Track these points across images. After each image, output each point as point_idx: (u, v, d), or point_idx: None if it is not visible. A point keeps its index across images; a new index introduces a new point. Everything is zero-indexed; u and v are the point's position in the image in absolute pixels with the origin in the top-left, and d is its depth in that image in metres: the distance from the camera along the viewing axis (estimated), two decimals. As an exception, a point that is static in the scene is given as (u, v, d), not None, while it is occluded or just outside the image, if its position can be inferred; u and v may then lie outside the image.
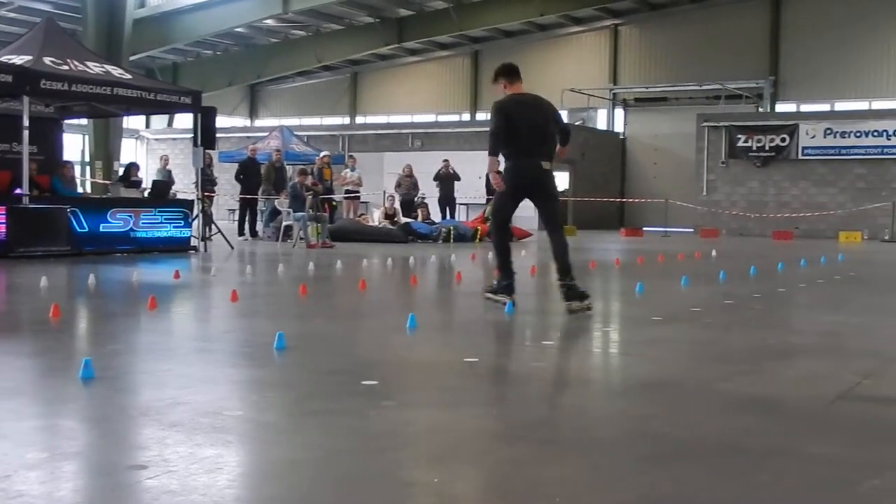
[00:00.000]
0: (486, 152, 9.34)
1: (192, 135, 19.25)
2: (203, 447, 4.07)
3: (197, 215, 19.18)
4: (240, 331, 8.05)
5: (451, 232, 23.54)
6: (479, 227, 24.66)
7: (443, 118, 44.43)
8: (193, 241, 18.72)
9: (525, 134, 9.32)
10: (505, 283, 9.48)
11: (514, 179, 9.47)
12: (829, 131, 33.67)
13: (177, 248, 18.09)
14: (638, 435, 4.41)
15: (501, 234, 9.94)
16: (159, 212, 18.13)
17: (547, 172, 9.59)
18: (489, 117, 9.64)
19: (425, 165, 30.63)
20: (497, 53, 45.21)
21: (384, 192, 29.32)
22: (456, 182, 29.81)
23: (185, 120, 38.31)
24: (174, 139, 43.78)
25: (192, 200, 19.67)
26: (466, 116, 45.41)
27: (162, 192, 20.01)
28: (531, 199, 9.74)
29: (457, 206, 30.79)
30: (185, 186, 29.92)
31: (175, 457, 3.90)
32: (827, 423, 4.76)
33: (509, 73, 9.78)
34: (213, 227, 20.39)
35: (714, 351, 7.17)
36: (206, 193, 20.59)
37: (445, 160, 30.23)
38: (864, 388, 5.58)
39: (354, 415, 4.72)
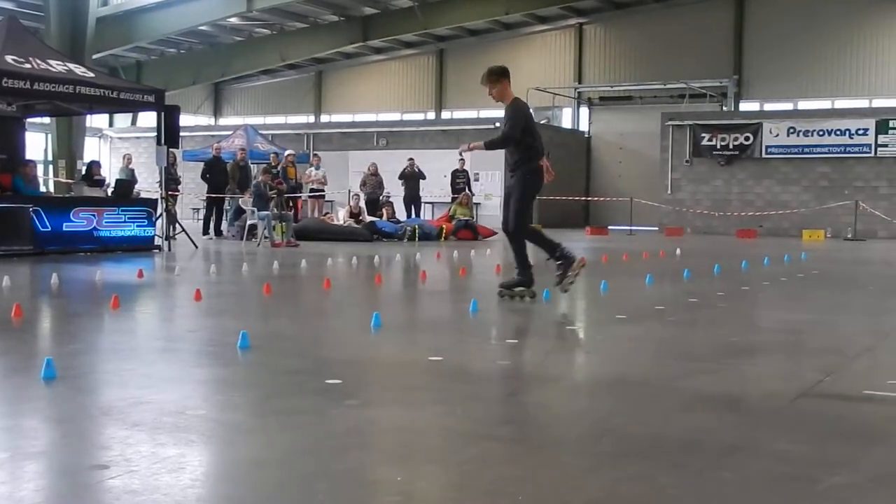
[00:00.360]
0: (484, 144, 9.74)
1: (155, 133, 19.15)
2: (166, 447, 4.05)
3: (161, 214, 19.08)
4: (204, 330, 8.01)
5: (417, 231, 23.55)
6: (444, 226, 24.69)
7: (408, 117, 44.38)
8: (157, 241, 18.62)
9: (539, 137, 9.51)
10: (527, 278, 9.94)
11: (539, 182, 9.89)
12: (792, 130, 33.89)
13: (140, 247, 17.99)
14: (602, 433, 4.43)
15: (529, 231, 10.21)
16: (123, 211, 18.02)
17: None
18: (508, 116, 9.68)
19: (390, 164, 30.61)
20: (462, 52, 45.32)
21: (349, 191, 29.27)
22: (421, 181, 29.81)
23: (148, 118, 38.08)
24: (138, 138, 43.48)
25: (156, 199, 19.55)
26: (431, 115, 45.40)
27: (125, 191, 19.89)
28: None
29: (422, 204, 30.79)
30: (149, 185, 29.76)
31: (137, 456, 3.88)
32: (789, 420, 4.80)
33: (509, 75, 9.85)
34: (177, 226, 20.29)
35: (678, 349, 7.20)
36: (169, 192, 20.47)
37: (410, 159, 30.22)
38: (825, 386, 5.62)
39: (318, 414, 4.71)
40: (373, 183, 28.35)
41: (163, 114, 18.44)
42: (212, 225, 24.52)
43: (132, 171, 26.31)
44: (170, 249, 18.42)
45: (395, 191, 29.26)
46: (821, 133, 33.34)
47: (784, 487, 3.64)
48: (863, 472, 3.83)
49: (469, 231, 25.12)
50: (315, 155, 30.85)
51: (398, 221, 25.00)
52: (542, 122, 40.54)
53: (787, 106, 38.35)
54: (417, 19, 41.34)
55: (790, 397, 5.23)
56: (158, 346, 7.18)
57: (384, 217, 25.14)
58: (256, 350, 6.53)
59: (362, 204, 25.93)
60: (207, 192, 25.02)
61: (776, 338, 7.84)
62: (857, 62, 38.01)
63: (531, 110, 10.06)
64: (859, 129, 32.74)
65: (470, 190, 29.60)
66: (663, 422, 4.69)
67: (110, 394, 5.29)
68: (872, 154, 32.57)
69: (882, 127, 32.45)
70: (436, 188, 32.59)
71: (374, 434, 4.40)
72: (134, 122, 46.97)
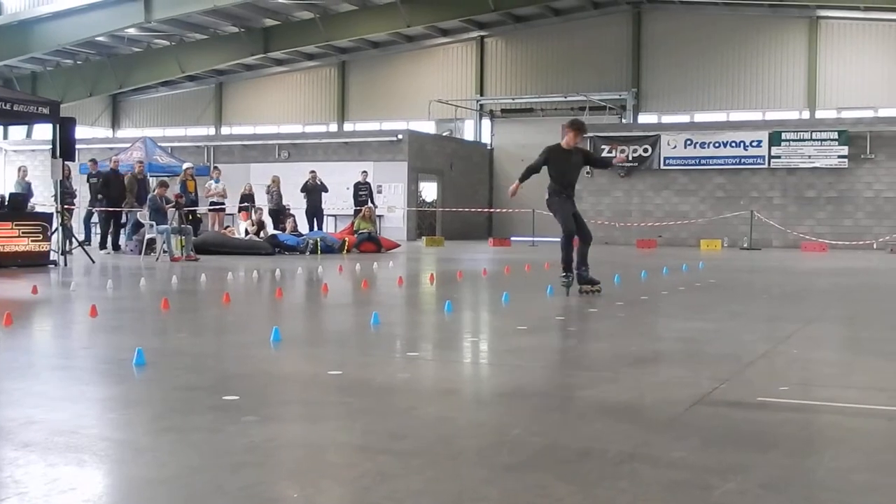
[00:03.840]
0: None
1: (51, 146, 18.79)
2: (57, 467, 3.97)
3: (56, 229, 18.70)
4: (98, 347, 7.85)
5: (319, 244, 23.43)
6: (346, 239, 24.60)
7: (310, 129, 44.20)
8: (53, 256, 18.23)
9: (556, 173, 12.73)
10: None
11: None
12: (689, 142, 34.52)
13: (35, 262, 17.60)
14: (500, 444, 4.43)
15: None
16: (16, 225, 17.61)
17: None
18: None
19: (292, 177, 30.46)
20: (364, 64, 45.32)
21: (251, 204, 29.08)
22: (323, 193, 29.72)
23: (45, 131, 37.44)
24: (33, 150, 42.60)
25: (51, 213, 19.16)
26: (334, 127, 45.29)
27: (19, 204, 19.44)
28: None
29: (324, 217, 30.68)
30: (44, 199, 29.19)
31: (27, 478, 3.79)
32: (685, 427, 4.85)
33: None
34: (73, 240, 19.91)
35: (577, 359, 7.26)
36: (65, 206, 20.07)
37: (312, 171, 30.13)
38: (720, 393, 5.70)
39: (214, 431, 4.64)
40: (276, 194, 28.35)
41: (58, 126, 18.10)
42: (109, 239, 24.12)
43: (28, 184, 25.77)
44: (66, 264, 18.07)
45: (297, 203, 29.12)
46: (716, 145, 34.03)
47: (679, 495, 3.68)
48: (755, 479, 3.88)
49: (372, 244, 25.08)
50: (215, 168, 30.59)
51: (300, 234, 24.85)
52: (444, 133, 40.88)
53: (684, 118, 39.07)
54: (319, 31, 41.21)
55: (686, 405, 5.30)
56: (51, 364, 7.02)
57: (287, 230, 25.00)
58: (152, 367, 6.42)
59: (264, 217, 25.75)
60: (104, 206, 24.61)
61: (674, 346, 7.94)
62: (750, 76, 38.87)
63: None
64: (753, 142, 33.49)
65: (372, 202, 29.60)
66: (561, 431, 4.72)
67: (0, 413, 5.15)
68: (766, 165, 33.34)
69: (775, 139, 33.24)
70: (338, 201, 32.52)
71: (271, 450, 4.34)
72: (29, 134, 46.06)
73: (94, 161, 26.61)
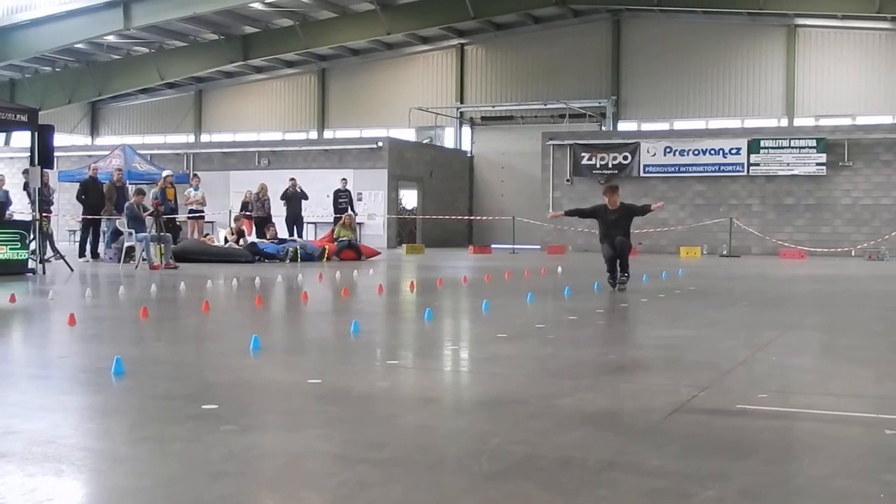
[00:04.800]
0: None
1: (29, 154, 18.68)
2: (35, 477, 3.95)
3: (35, 237, 18.59)
4: (77, 356, 7.82)
5: (298, 251, 23.38)
6: (326, 247, 24.56)
7: (290, 136, 44.14)
8: (31, 264, 18.12)
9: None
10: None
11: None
12: (668, 149, 34.62)
13: (14, 271, 17.48)
14: (479, 452, 4.43)
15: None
16: (-6, 233, 17.51)
17: None
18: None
19: (273, 184, 30.40)
20: (344, 71, 45.28)
21: (230, 212, 29.00)
22: (303, 201, 29.67)
23: (23, 138, 37.25)
24: (12, 158, 42.35)
25: (30, 221, 19.07)
26: (314, 135, 45.20)
27: (-3, 213, 19.37)
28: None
29: (304, 225, 30.63)
30: (23, 207, 29.04)
31: (4, 488, 3.77)
32: (664, 436, 4.86)
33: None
34: (50, 248, 19.78)
35: (556, 367, 7.26)
36: (43, 214, 19.95)
37: (292, 179, 30.08)
38: (699, 401, 5.71)
39: (193, 440, 4.63)
40: (267, 202, 28.36)
41: (36, 133, 18.01)
42: (88, 247, 24.01)
43: (6, 192, 25.62)
44: (44, 273, 17.97)
45: (277, 211, 29.07)
46: (696, 153, 34.15)
47: (658, 503, 3.68)
48: (734, 486, 3.90)
49: (352, 251, 25.05)
50: (195, 175, 30.50)
51: (281, 242, 24.79)
52: (424, 141, 40.92)
53: (664, 126, 39.13)
54: (299, 38, 41.17)
55: (665, 413, 5.31)
56: (29, 374, 6.98)
57: (267, 237, 24.96)
58: (131, 376, 6.40)
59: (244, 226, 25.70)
60: (83, 214, 24.51)
61: (653, 354, 7.96)
62: (729, 84, 39.00)
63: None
64: (732, 149, 33.63)
65: (352, 210, 29.57)
66: (541, 440, 4.72)
67: (-23, 424, 5.12)
68: (745, 173, 33.47)
69: (754, 146, 33.38)
70: (318, 208, 32.47)
71: (249, 460, 4.33)
72: (7, 142, 45.81)
73: (119, 170, 26.52)
